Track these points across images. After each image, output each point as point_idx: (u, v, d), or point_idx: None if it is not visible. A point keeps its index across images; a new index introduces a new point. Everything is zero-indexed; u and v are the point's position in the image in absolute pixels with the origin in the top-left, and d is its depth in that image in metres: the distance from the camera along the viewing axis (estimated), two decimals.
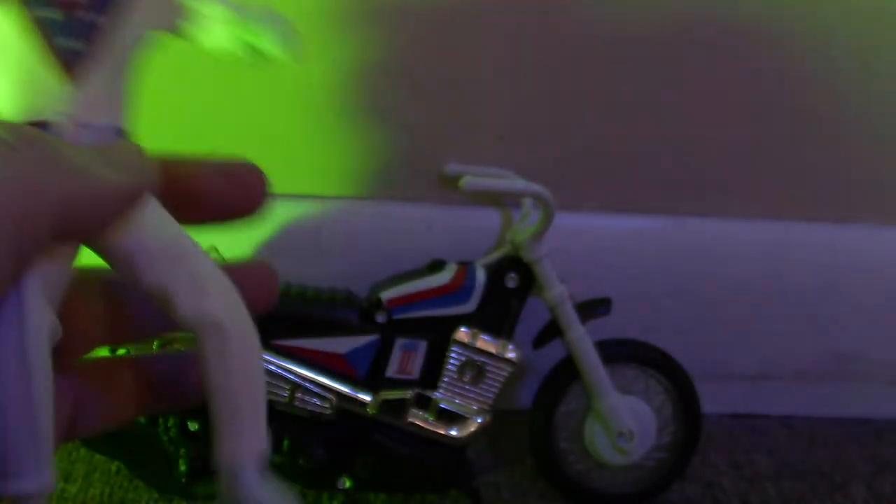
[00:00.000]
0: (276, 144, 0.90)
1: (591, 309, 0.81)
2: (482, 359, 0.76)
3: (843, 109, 0.95)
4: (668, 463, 0.85)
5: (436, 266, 0.78)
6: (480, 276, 0.77)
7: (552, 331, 0.80)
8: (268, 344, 0.74)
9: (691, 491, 0.88)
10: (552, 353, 0.82)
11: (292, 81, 0.87)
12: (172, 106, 0.88)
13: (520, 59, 0.88)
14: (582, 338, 0.79)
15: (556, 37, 0.88)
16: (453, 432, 0.77)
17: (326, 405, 0.74)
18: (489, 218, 0.92)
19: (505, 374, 0.77)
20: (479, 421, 0.77)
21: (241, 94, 0.87)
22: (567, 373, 0.81)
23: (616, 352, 0.83)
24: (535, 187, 0.72)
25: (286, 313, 0.74)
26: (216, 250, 0.76)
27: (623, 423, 0.81)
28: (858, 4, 0.90)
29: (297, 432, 0.75)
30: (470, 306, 0.76)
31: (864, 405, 1.06)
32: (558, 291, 0.78)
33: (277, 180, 0.83)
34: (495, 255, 0.79)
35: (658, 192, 0.96)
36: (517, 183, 0.72)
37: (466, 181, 0.69)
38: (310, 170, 0.88)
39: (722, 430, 0.95)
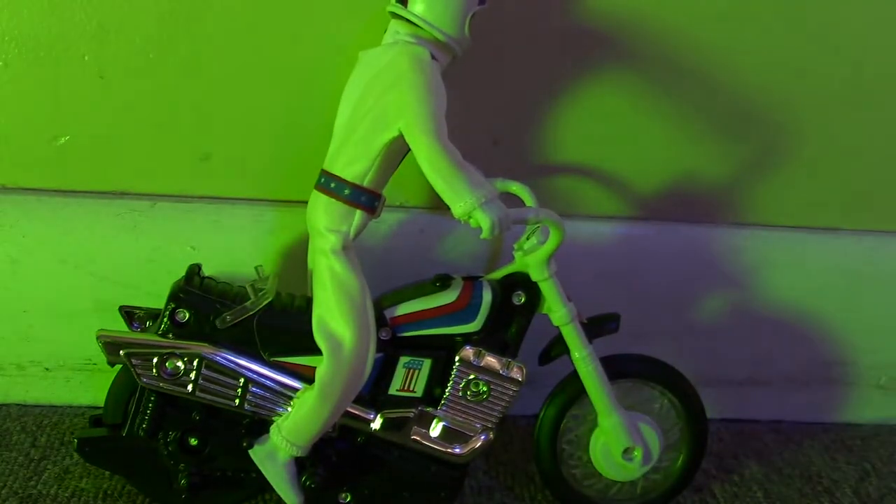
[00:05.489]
0: (271, 150, 0.90)
1: (599, 326, 0.80)
2: (486, 377, 0.76)
3: (832, 120, 0.95)
4: (673, 477, 0.87)
5: (441, 280, 0.77)
6: (487, 294, 0.76)
7: (559, 347, 0.80)
8: (268, 360, 0.73)
9: (681, 496, 0.89)
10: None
11: (292, 92, 0.87)
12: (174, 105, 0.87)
13: (514, 63, 0.89)
14: (588, 357, 0.79)
15: (550, 41, 0.88)
16: (456, 450, 0.77)
17: None
18: None
19: (510, 393, 0.77)
20: (482, 438, 0.77)
21: (244, 97, 0.87)
22: (575, 387, 0.81)
23: (622, 368, 0.83)
24: (546, 213, 0.72)
25: (288, 328, 0.74)
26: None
27: (628, 439, 0.81)
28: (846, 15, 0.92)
29: None
30: (476, 325, 0.76)
31: (852, 410, 1.07)
32: (566, 311, 0.77)
33: (273, 186, 0.83)
34: (502, 272, 0.79)
35: (649, 199, 0.97)
36: (529, 210, 0.71)
37: None
38: (303, 176, 0.88)
39: (712, 435, 0.96)
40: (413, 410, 0.76)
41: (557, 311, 0.77)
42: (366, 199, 0.72)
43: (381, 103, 0.70)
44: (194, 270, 0.76)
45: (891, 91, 0.95)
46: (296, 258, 0.88)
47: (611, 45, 0.89)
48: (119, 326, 0.76)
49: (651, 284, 0.98)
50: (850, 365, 1.05)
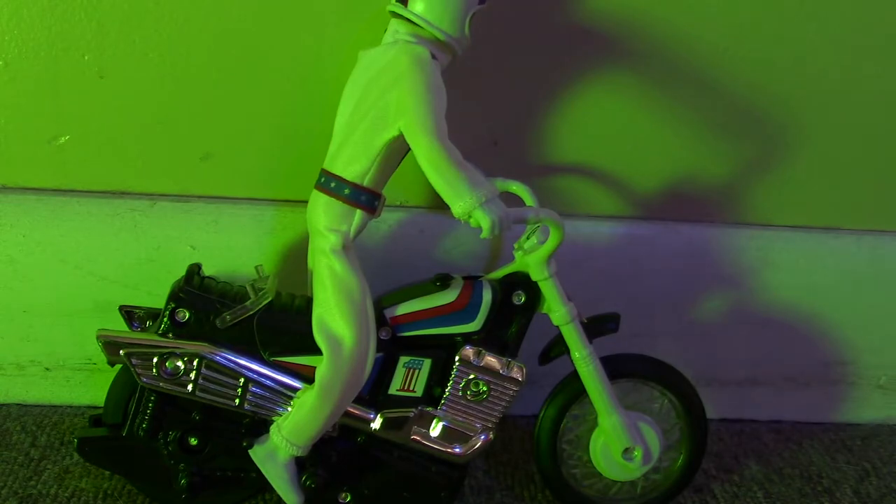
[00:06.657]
0: (271, 150, 0.90)
1: (599, 326, 0.81)
2: (486, 377, 0.76)
3: (832, 119, 0.95)
4: (673, 477, 0.87)
5: (441, 280, 0.77)
6: (487, 293, 0.76)
7: (559, 347, 0.80)
8: (268, 360, 0.74)
9: (681, 496, 0.89)
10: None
11: (292, 92, 0.87)
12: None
13: (514, 63, 0.89)
14: (588, 357, 0.79)
15: (550, 41, 0.88)
16: (456, 450, 0.77)
17: None
18: None
19: (510, 393, 0.77)
20: (482, 438, 0.77)
21: (244, 97, 0.87)
22: (575, 387, 0.81)
23: (622, 368, 0.83)
24: (546, 212, 0.72)
25: (288, 328, 0.74)
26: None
27: (628, 439, 0.82)
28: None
29: None
30: (476, 324, 0.76)
31: (852, 410, 1.07)
32: (566, 310, 0.77)
33: (273, 186, 0.83)
34: (502, 271, 0.79)
35: (649, 199, 0.97)
36: (529, 210, 0.72)
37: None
38: (303, 176, 0.88)
39: (712, 435, 0.96)
40: (413, 410, 0.76)
41: (557, 310, 0.77)
42: (366, 198, 0.72)
43: (381, 103, 0.70)
44: (194, 270, 0.77)
45: (891, 91, 0.95)
46: (296, 258, 0.88)
47: (611, 45, 0.89)
48: (119, 326, 0.76)
49: (651, 284, 0.98)
50: (850, 365, 1.05)
